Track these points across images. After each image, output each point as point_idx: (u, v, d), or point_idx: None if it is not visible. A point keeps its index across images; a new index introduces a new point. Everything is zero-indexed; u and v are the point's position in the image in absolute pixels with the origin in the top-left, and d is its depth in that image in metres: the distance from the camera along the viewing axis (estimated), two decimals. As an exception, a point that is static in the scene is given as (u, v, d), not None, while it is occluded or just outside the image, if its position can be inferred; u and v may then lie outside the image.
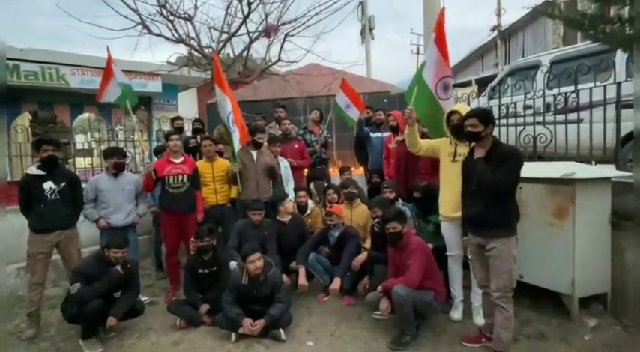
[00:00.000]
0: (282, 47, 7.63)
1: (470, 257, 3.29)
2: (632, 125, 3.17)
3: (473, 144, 3.09)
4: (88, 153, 7.36)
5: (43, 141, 3.93)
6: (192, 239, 4.26)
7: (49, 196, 3.88)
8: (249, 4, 7.31)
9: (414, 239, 3.61)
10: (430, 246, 3.78)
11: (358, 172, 6.63)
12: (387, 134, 5.55)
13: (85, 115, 10.09)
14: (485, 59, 20.07)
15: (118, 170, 4.48)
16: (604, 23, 3.49)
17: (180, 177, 4.56)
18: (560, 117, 4.65)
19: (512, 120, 5.26)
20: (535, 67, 6.05)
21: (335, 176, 6.49)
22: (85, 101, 9.43)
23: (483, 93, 6.86)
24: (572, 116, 4.52)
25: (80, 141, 7.65)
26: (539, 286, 3.79)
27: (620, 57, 4.72)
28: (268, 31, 7.55)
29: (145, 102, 10.36)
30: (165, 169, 4.55)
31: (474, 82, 13.35)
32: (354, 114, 6.12)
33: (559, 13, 4.00)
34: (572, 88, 4.54)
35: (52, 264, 4.06)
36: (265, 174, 5.06)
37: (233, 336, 3.65)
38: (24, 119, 9.26)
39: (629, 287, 3.55)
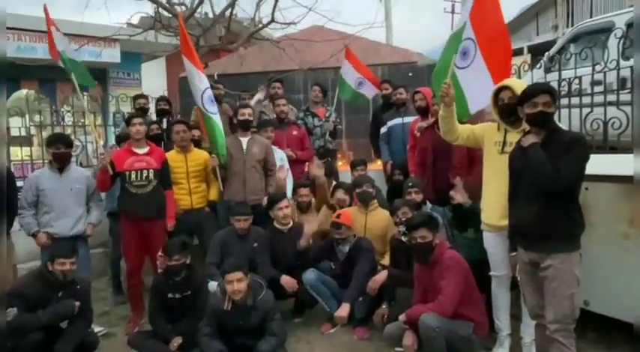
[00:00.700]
0: (276, 4, 7.65)
1: (519, 278, 3.28)
2: None
3: (522, 129, 3.08)
4: (25, 141, 7.38)
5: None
6: (160, 253, 4.27)
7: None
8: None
9: (449, 253, 3.62)
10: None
11: (375, 167, 6.64)
12: (409, 118, 5.56)
13: (22, 92, 10.14)
14: (540, 20, 19.93)
15: (61, 163, 4.51)
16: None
17: (144, 173, 4.58)
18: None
19: (575, 100, 5.23)
20: (606, 30, 6.02)
21: (345, 172, 6.50)
22: (23, 74, 9.47)
23: (538, 65, 6.83)
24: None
25: (16, 125, 7.67)
26: (608, 316, 3.77)
27: None
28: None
29: (98, 75, 10.39)
30: (125, 162, 4.57)
31: (526, 50, 13.27)
32: (369, 90, 6.11)
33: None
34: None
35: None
36: (256, 169, 5.09)
37: (212, 378, 3.67)
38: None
39: None
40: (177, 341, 4.00)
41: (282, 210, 4.68)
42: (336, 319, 4.26)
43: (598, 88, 5.12)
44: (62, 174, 4.53)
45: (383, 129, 6.02)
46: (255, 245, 4.63)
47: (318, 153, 6.20)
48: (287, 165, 5.58)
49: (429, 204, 4.71)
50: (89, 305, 3.95)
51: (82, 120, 7.20)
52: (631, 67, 4.72)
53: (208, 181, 5.21)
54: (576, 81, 5.26)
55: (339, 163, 6.95)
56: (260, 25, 8.20)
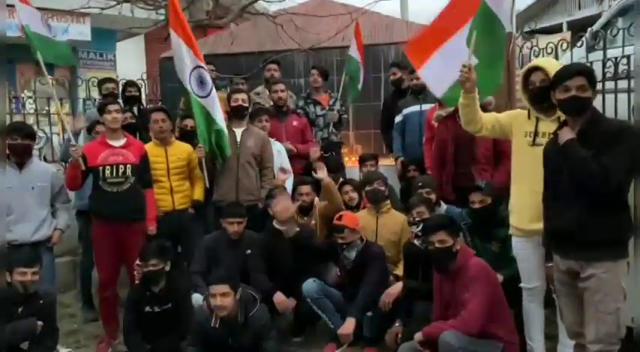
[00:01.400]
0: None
1: (556, 291, 3.28)
2: None
3: (557, 118, 3.08)
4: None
5: None
6: (137, 262, 4.29)
7: None
8: None
9: (474, 262, 3.62)
10: (500, 277, 3.78)
11: (387, 162, 6.64)
12: (428, 106, 5.56)
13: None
14: (582, -9, 19.86)
15: (19, 157, 4.50)
16: None
17: (121, 168, 4.58)
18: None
19: (623, 84, 5.22)
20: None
21: (352, 168, 6.50)
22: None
23: (579, 43, 6.80)
24: None
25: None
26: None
27: None
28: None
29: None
30: (98, 156, 4.56)
31: (565, 27, 13.23)
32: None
33: None
34: None
35: None
36: (251, 165, 5.11)
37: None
38: None
39: None
40: (156, 362, 4.03)
41: (280, 205, 4.62)
42: (341, 337, 4.26)
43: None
44: (22, 171, 4.53)
45: (398, 118, 5.98)
46: (249, 252, 4.63)
47: (320, 147, 6.19)
48: (287, 161, 5.57)
49: (443, 205, 4.70)
50: (54, 322, 3.98)
51: (47, 108, 7.21)
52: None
53: (192, 178, 5.21)
54: (624, 61, 5.24)
55: (346, 158, 6.94)
56: (254, -3, 8.21)
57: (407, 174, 5.71)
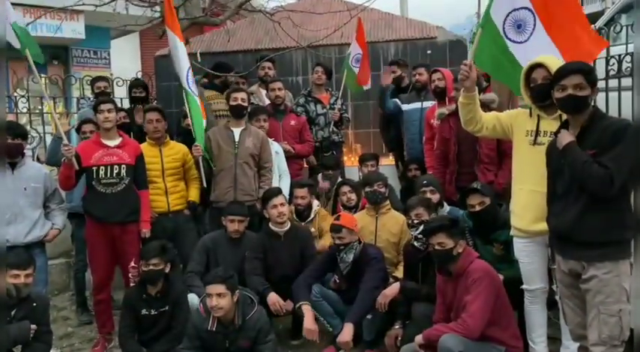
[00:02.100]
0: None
1: (558, 292, 3.29)
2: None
3: (558, 115, 3.09)
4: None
5: None
6: (132, 263, 4.31)
7: None
8: None
9: (477, 264, 3.63)
10: (500, 276, 3.80)
11: (387, 162, 6.65)
12: (430, 103, 5.58)
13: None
14: (585, -12, 19.89)
15: (10, 158, 4.50)
16: None
17: (115, 169, 4.59)
18: None
19: (627, 82, 5.24)
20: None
21: (351, 168, 6.50)
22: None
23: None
24: None
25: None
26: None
27: None
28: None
29: (59, 54, 10.41)
30: (92, 156, 4.57)
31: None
32: (364, 73, 6.15)
33: None
34: None
35: None
36: (249, 166, 5.13)
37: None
38: None
39: None
40: (152, 366, 4.04)
41: (276, 208, 4.63)
42: (340, 344, 4.26)
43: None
44: (14, 171, 4.52)
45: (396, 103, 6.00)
46: (248, 254, 4.63)
47: (321, 146, 6.21)
48: (285, 162, 5.58)
49: (446, 207, 4.71)
50: (48, 326, 3.95)
51: (40, 107, 7.20)
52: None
53: (187, 179, 5.21)
54: (628, 58, 5.26)
55: (345, 158, 6.95)
56: (251, -6, 8.18)
57: (408, 174, 5.71)
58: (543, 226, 3.30)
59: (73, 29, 10.15)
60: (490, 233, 4.20)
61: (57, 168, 5.11)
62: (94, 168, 4.56)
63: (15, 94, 8.12)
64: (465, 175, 4.73)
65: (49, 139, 7.34)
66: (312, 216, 5.17)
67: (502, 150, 4.61)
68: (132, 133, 5.67)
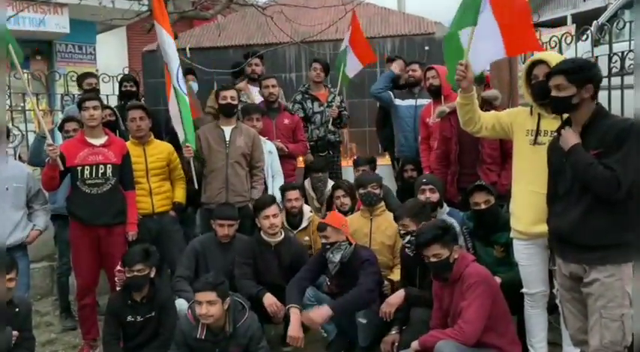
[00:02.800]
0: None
1: (558, 296, 3.27)
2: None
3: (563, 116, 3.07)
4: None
5: None
6: (118, 267, 4.27)
7: None
8: None
9: (472, 268, 3.61)
10: (498, 279, 3.78)
11: (383, 162, 6.64)
12: (424, 101, 5.54)
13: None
14: (587, -17, 19.92)
15: None
16: None
17: (101, 169, 4.55)
18: None
19: (630, 79, 5.23)
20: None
21: (348, 167, 6.49)
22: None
23: (584, 37, 6.82)
24: None
25: None
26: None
27: None
28: None
29: (42, 49, 10.32)
30: (77, 155, 4.53)
31: (569, 20, 13.27)
32: (352, 64, 6.09)
33: None
34: None
35: None
36: (241, 165, 5.10)
37: None
38: None
39: None
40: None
41: (268, 219, 4.54)
42: (304, 319, 4.10)
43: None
44: (-5, 171, 4.49)
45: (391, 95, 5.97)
46: (238, 258, 4.59)
47: (317, 146, 6.17)
48: (278, 161, 5.55)
49: (446, 207, 4.67)
50: (30, 332, 3.92)
51: (22, 104, 7.15)
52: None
53: (172, 179, 5.16)
54: (631, 55, 5.26)
55: (342, 159, 6.92)
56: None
57: (404, 175, 5.68)
58: (543, 228, 3.30)
59: (57, 23, 10.12)
60: (491, 234, 4.20)
61: (40, 168, 5.06)
62: (79, 168, 4.51)
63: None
64: (467, 176, 4.70)
65: (31, 137, 7.32)
66: (305, 224, 5.13)
67: (505, 150, 4.58)
68: (118, 131, 5.63)
